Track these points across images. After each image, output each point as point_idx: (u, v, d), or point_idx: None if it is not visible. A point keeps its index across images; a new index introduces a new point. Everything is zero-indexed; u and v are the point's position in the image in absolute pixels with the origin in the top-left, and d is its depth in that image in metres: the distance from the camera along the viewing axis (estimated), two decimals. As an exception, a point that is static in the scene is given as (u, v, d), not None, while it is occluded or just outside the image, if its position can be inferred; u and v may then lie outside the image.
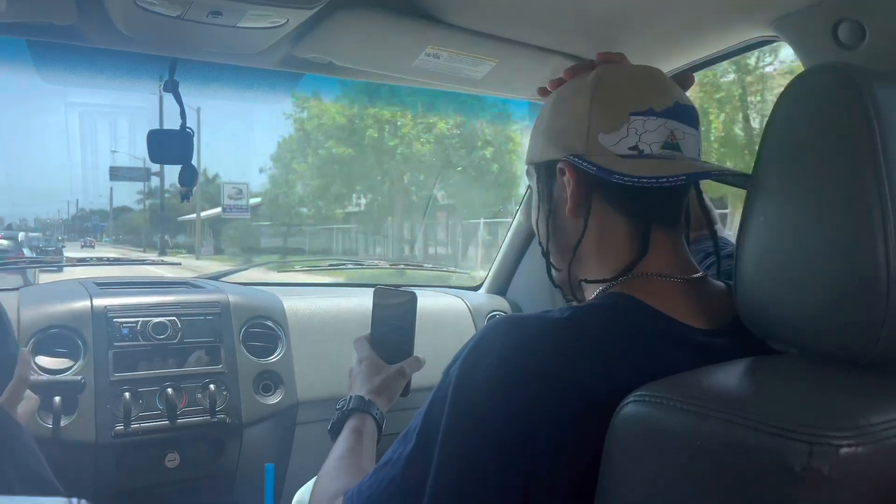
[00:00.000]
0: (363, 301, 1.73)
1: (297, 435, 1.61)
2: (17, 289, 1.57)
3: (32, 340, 1.38)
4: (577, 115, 0.81)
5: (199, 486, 1.50)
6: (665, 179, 0.73)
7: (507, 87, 1.50)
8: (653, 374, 0.65)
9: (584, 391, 0.67)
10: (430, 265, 2.36)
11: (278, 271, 2.28)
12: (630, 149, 0.78)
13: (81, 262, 2.08)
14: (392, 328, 1.14)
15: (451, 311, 1.89)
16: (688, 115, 0.81)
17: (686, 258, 0.82)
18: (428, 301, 1.87)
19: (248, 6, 1.03)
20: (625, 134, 0.78)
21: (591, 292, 0.83)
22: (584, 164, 0.78)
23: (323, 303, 1.76)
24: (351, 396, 1.05)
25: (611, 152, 0.78)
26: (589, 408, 0.66)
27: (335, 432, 1.01)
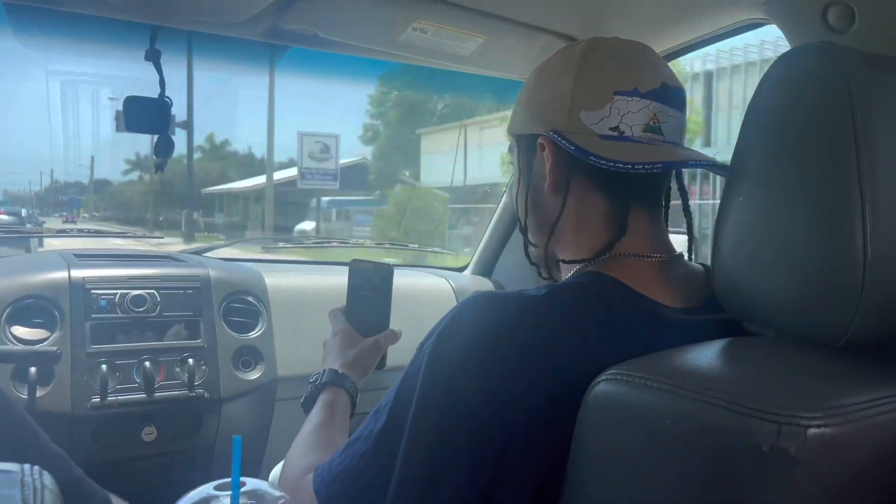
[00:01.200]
0: (345, 279, 1.72)
1: (277, 411, 1.60)
2: None
3: (8, 310, 1.36)
4: (561, 90, 0.80)
5: (175, 460, 1.49)
6: (641, 166, 0.72)
7: (494, 65, 1.48)
8: (627, 352, 0.65)
9: (558, 369, 0.67)
10: (416, 245, 2.35)
11: (262, 248, 2.26)
12: (611, 129, 0.77)
13: (62, 232, 2.04)
14: (368, 301, 1.13)
15: (435, 292, 1.88)
16: (674, 97, 0.80)
17: (664, 238, 0.81)
18: (412, 281, 1.87)
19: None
20: (607, 114, 0.77)
21: (568, 271, 0.83)
22: (564, 142, 0.77)
23: (305, 280, 1.75)
24: (325, 370, 1.04)
25: (591, 131, 0.77)
26: (562, 385, 0.66)
27: (308, 406, 1.01)
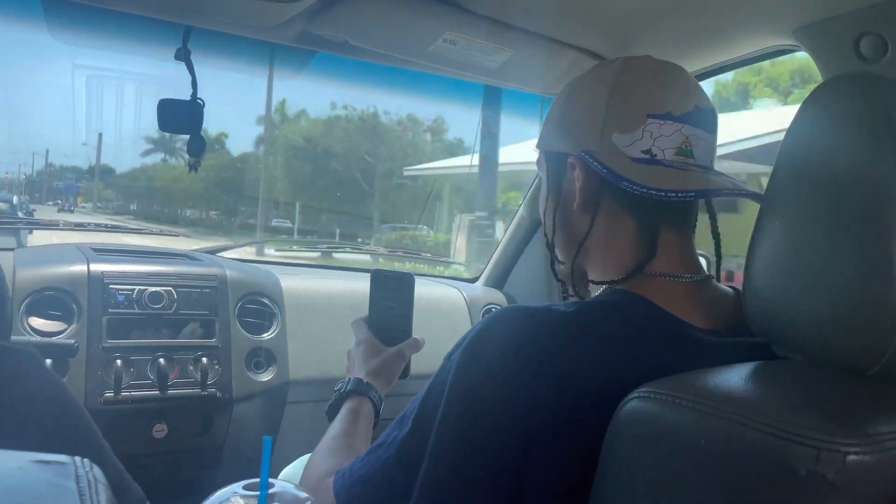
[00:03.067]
0: (359, 284, 1.73)
1: (287, 414, 1.60)
2: (12, 249, 1.56)
3: (27, 301, 1.37)
4: (593, 109, 0.80)
5: (184, 458, 1.49)
6: (674, 194, 0.72)
7: (520, 79, 1.49)
8: (654, 371, 0.65)
9: (583, 384, 0.67)
10: (429, 254, 2.35)
11: (276, 250, 2.27)
12: (643, 152, 0.77)
13: (99, 226, 2.03)
14: (390, 310, 1.14)
15: (447, 302, 1.88)
16: (706, 120, 0.80)
17: (693, 259, 0.81)
18: (425, 291, 1.86)
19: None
20: (639, 136, 0.77)
21: (597, 290, 0.83)
22: (596, 164, 0.77)
23: (320, 283, 1.75)
24: (349, 379, 1.04)
25: (623, 154, 0.77)
26: (586, 401, 0.66)
27: (332, 413, 1.01)
